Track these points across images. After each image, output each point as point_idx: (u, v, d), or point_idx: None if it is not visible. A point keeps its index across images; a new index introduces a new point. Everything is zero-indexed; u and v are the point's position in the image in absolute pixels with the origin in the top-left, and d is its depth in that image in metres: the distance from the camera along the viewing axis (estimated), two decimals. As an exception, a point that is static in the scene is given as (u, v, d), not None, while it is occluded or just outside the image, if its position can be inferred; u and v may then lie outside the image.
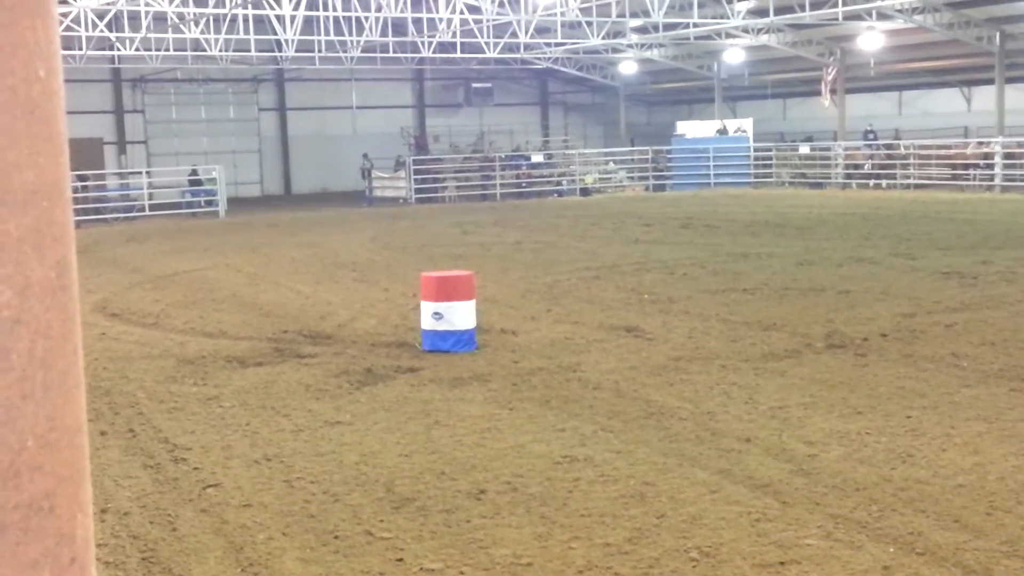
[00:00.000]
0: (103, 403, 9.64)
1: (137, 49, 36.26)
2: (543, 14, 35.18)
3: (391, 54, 40.67)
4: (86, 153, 39.01)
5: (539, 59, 45.82)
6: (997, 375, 9.78)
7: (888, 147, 38.67)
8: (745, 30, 38.15)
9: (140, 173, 38.94)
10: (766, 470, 7.27)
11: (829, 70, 39.48)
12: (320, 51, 38.37)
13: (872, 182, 37.78)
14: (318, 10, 34.94)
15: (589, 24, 35.66)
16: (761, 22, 35.02)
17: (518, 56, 42.75)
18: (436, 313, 11.43)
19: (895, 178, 37.04)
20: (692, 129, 43.79)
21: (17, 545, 1.04)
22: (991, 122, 36.88)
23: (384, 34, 36.62)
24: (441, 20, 35.30)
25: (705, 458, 7.60)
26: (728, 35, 38.97)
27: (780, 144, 43.26)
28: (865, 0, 31.25)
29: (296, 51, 36.89)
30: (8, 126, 1.03)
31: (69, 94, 1.36)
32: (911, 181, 36.33)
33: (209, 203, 36.43)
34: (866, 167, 38.48)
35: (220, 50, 36.73)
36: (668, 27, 36.27)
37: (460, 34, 36.85)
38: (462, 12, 34.43)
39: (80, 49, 34.63)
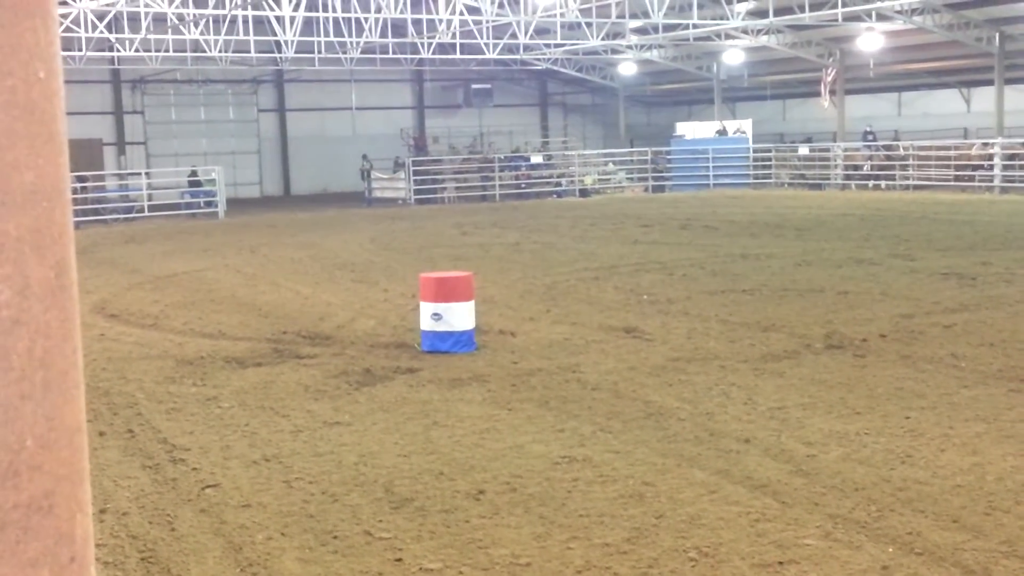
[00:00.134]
0: (102, 403, 9.64)
1: (137, 50, 36.26)
2: (543, 15, 35.18)
3: (391, 55, 40.68)
4: (85, 154, 39.02)
5: (539, 60, 45.82)
6: (996, 376, 9.78)
7: (887, 148, 38.68)
8: (744, 31, 38.15)
9: (139, 174, 38.92)
10: (765, 470, 7.28)
11: (828, 71, 39.49)
12: (320, 52, 38.37)
13: (871, 183, 37.79)
14: (318, 11, 34.93)
15: (588, 25, 35.66)
16: (760, 23, 35.03)
17: (517, 57, 42.76)
18: (435, 314, 11.43)
19: (894, 179, 37.05)
20: (691, 130, 43.79)
21: (17, 544, 1.04)
22: (990, 123, 36.89)
23: (384, 35, 36.61)
24: (441, 21, 35.30)
25: (704, 458, 7.60)
26: (727, 36, 38.98)
27: (779, 145, 43.26)
28: (864, 1, 31.26)
29: (296, 52, 36.89)
30: (8, 127, 1.04)
31: (69, 95, 1.36)
32: (910, 182, 36.34)
33: (208, 204, 36.43)
34: (865, 168, 38.49)
35: (220, 51, 36.73)
36: (667, 28, 36.27)
37: (460, 35, 36.85)
38: (462, 13, 34.42)
39: (80, 50, 34.63)
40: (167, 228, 30.70)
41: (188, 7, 34.07)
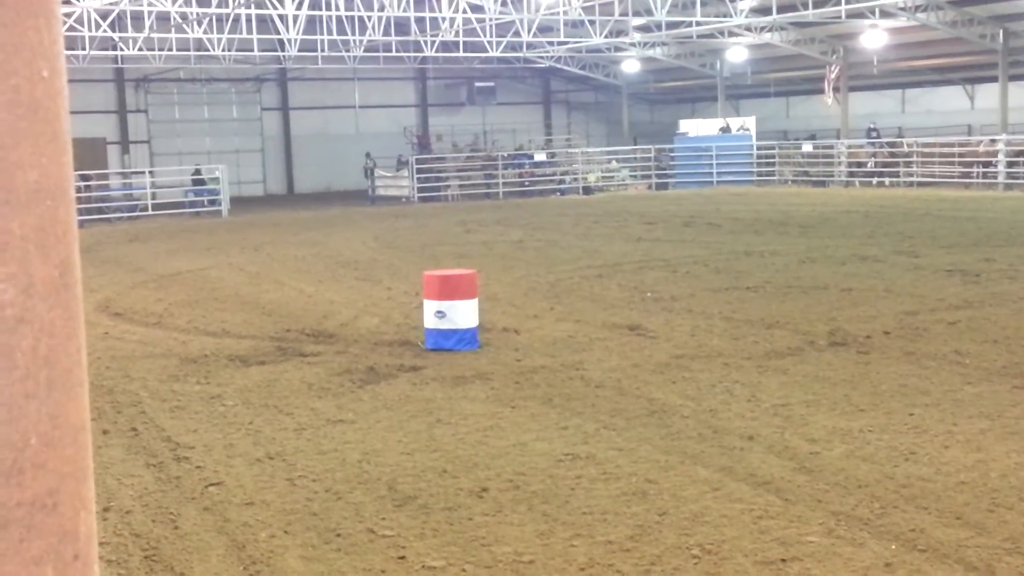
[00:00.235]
0: (106, 402, 9.65)
1: (140, 49, 36.27)
2: (546, 13, 35.17)
3: (394, 53, 40.67)
4: (89, 153, 39.02)
5: (542, 58, 45.81)
6: (1000, 373, 9.78)
7: (891, 145, 38.64)
8: (748, 28, 38.12)
9: (143, 173, 38.96)
10: (768, 468, 7.27)
11: (832, 68, 39.46)
12: (323, 50, 38.37)
13: (875, 180, 37.75)
14: (321, 9, 34.94)
15: (592, 23, 35.64)
16: (764, 20, 35.01)
17: (521, 55, 42.73)
18: (439, 312, 11.44)
19: (898, 176, 37.01)
20: (695, 127, 43.77)
21: (21, 542, 1.05)
22: (994, 120, 36.84)
23: (387, 33, 36.62)
24: (444, 19, 35.30)
25: (707, 456, 7.60)
26: (731, 33, 38.94)
27: (783, 142, 43.24)
28: (868, -2, 31.25)
29: (299, 50, 36.91)
30: (12, 125, 1.04)
31: (72, 94, 1.36)
32: (914, 179, 36.30)
33: (212, 202, 36.44)
34: (869, 165, 38.45)
35: (223, 50, 36.74)
36: (671, 25, 36.26)
37: (463, 33, 36.84)
38: (465, 11, 34.42)
39: (83, 49, 34.65)
40: (171, 227, 30.72)
41: (191, 6, 34.10)
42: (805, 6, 31.74)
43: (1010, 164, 34.09)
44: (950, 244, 19.71)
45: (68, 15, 32.32)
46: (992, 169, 34.55)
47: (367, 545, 6.17)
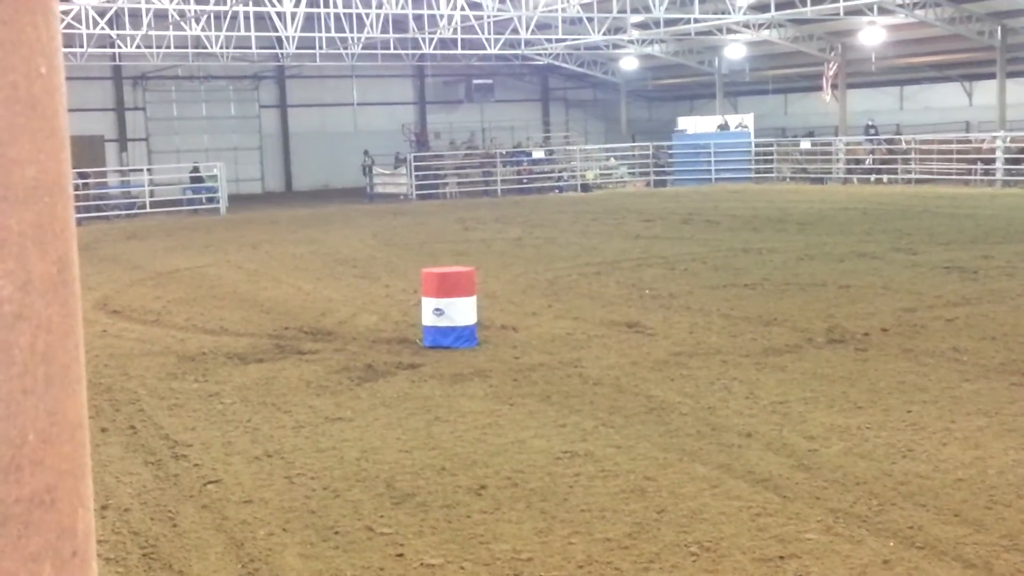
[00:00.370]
0: (104, 400, 9.65)
1: (138, 46, 36.25)
2: (544, 10, 35.17)
3: (392, 51, 40.64)
4: (87, 151, 38.94)
5: (540, 55, 45.79)
6: (998, 369, 9.78)
7: (889, 142, 38.65)
8: (746, 25, 38.12)
9: (141, 170, 38.92)
10: (767, 465, 7.28)
11: (830, 65, 39.45)
12: (321, 48, 38.35)
13: (873, 177, 37.76)
14: (319, 7, 34.91)
15: (590, 20, 35.63)
16: (762, 17, 34.99)
17: (519, 52, 42.71)
18: (437, 309, 11.44)
19: (896, 173, 37.02)
20: (693, 125, 43.76)
21: (19, 538, 1.05)
22: (992, 116, 36.85)
23: (385, 30, 36.60)
24: (442, 16, 35.29)
25: (705, 453, 7.60)
26: (729, 30, 38.94)
27: (781, 139, 43.24)
28: (866, -5, 31.24)
29: (297, 48, 36.88)
30: (9, 122, 1.04)
31: (70, 92, 1.36)
32: (912, 176, 36.31)
33: (210, 200, 36.43)
34: (867, 162, 38.46)
35: (221, 47, 36.71)
36: (669, 23, 36.24)
37: (461, 30, 36.82)
38: (463, 8, 34.41)
39: (81, 47, 34.62)
40: (169, 224, 30.71)
41: (189, 3, 34.08)
42: (803, 3, 31.74)
43: (1011, 161, 34.07)
44: (948, 241, 19.72)
45: (66, 12, 32.30)
46: (991, 166, 34.56)
47: (365, 543, 6.17)
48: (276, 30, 36.86)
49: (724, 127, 42.49)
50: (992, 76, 36.78)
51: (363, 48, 38.90)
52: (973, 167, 34.97)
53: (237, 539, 6.28)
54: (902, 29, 36.58)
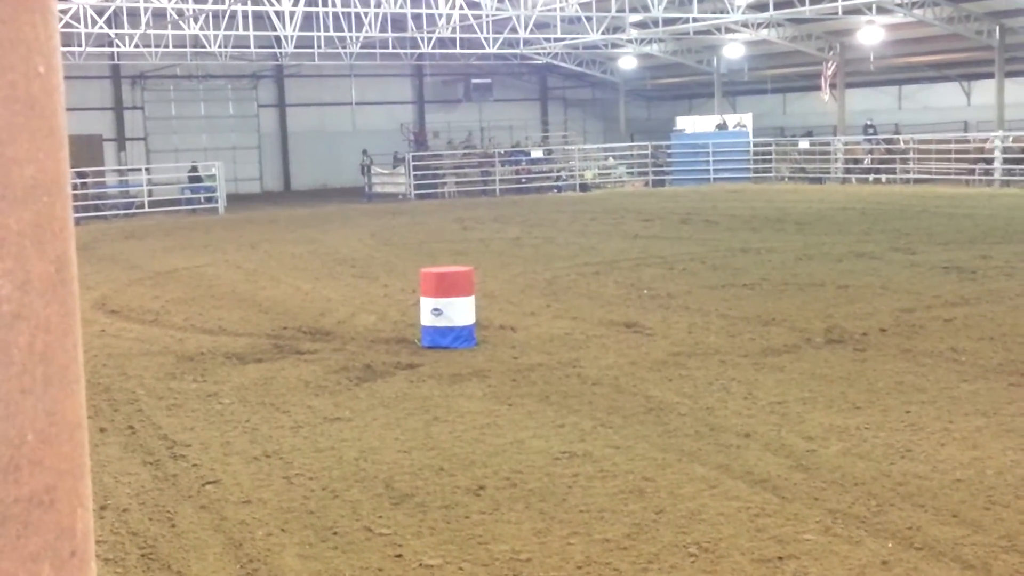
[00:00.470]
0: (103, 400, 9.64)
1: (136, 46, 36.23)
2: (542, 10, 35.16)
3: (390, 50, 40.64)
4: (85, 150, 38.91)
5: (538, 55, 45.80)
6: (996, 370, 9.79)
7: (888, 142, 38.66)
8: (745, 25, 38.12)
9: (139, 170, 38.90)
10: (765, 465, 7.28)
11: (829, 65, 39.46)
12: (319, 47, 38.34)
13: (872, 177, 37.77)
14: (317, 6, 34.90)
15: (588, 19, 35.64)
16: (761, 16, 35.00)
17: (517, 52, 42.72)
18: (435, 309, 11.44)
19: (895, 173, 37.03)
20: (692, 124, 43.76)
21: (18, 538, 1.04)
22: (991, 116, 36.87)
23: (383, 30, 36.59)
24: (440, 16, 35.28)
25: (704, 453, 7.60)
26: (728, 30, 38.95)
27: (780, 139, 43.24)
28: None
29: (295, 47, 36.85)
30: (8, 121, 1.04)
31: (68, 91, 1.36)
32: (911, 176, 36.33)
33: (208, 200, 36.41)
34: (866, 162, 38.47)
35: (219, 46, 36.70)
36: (668, 22, 36.24)
37: (459, 30, 36.82)
38: (461, 8, 34.40)
39: (79, 46, 34.61)
40: (167, 224, 30.70)
41: (187, 2, 34.06)
42: (802, 2, 31.74)
43: (1008, 160, 34.08)
44: (947, 241, 19.73)
45: (64, 11, 32.29)
46: (990, 166, 34.57)
47: (364, 543, 6.17)
48: (274, 29, 36.86)
49: (722, 127, 42.50)
50: (990, 76, 36.80)
51: (362, 47, 38.88)
52: (972, 167, 34.99)
53: (236, 539, 6.28)
54: (901, 29, 36.59)
